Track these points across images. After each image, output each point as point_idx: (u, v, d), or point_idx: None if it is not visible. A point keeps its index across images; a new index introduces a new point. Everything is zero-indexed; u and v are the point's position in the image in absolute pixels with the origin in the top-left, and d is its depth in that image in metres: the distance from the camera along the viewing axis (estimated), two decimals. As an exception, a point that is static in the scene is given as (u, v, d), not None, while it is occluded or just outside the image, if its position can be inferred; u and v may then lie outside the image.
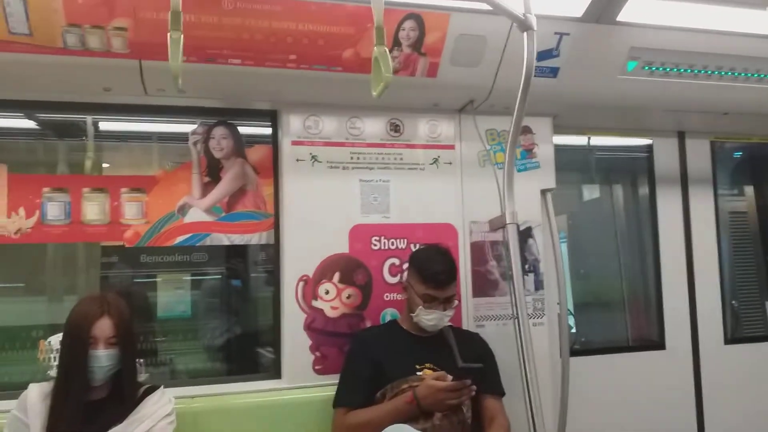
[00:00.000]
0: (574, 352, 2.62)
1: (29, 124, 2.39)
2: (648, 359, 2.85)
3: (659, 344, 2.89)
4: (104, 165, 2.49)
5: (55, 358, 1.88)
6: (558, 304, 2.55)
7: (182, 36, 1.49)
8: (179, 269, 2.49)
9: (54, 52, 1.90)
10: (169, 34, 1.48)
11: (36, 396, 1.73)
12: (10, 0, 1.78)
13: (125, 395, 1.77)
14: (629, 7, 2.11)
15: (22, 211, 2.15)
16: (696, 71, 2.42)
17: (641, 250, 3.09)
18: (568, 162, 2.89)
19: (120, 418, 1.72)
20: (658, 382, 2.81)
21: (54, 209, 2.18)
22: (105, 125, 2.46)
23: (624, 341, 3.05)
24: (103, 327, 1.72)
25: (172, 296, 2.55)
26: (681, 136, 3.02)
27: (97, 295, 1.85)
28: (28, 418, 1.69)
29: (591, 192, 3.34)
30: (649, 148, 3.00)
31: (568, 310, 2.75)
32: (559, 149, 2.67)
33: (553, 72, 2.29)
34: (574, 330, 2.93)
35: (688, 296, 2.95)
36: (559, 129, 2.67)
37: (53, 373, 1.87)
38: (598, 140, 3.04)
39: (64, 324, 1.76)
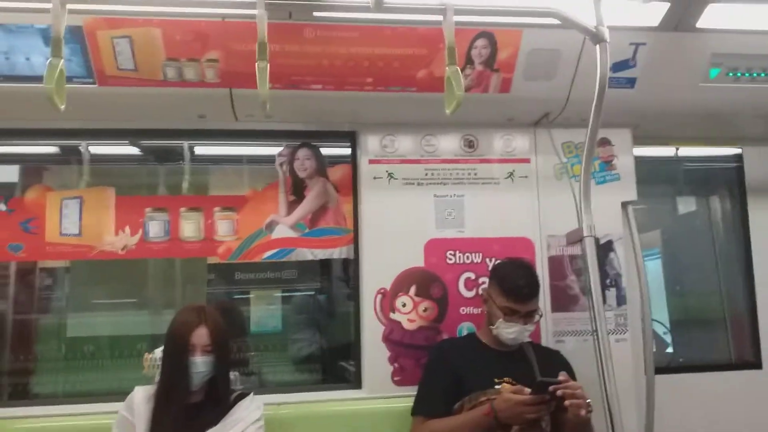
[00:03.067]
0: (663, 370, 2.52)
1: (133, 150, 2.64)
2: (743, 378, 2.68)
3: (756, 363, 2.72)
4: (199, 186, 2.67)
5: (159, 367, 2.02)
6: (642, 320, 2.48)
7: (268, 65, 1.59)
8: (271, 285, 2.64)
9: (155, 84, 2.10)
10: (256, 64, 1.58)
11: (141, 398, 1.86)
12: (119, 41, 2.00)
13: (220, 400, 1.87)
14: (709, 13, 2.06)
15: (128, 230, 2.36)
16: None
17: (741, 265, 2.92)
18: (659, 174, 2.79)
19: (215, 420, 1.82)
20: (755, 403, 2.64)
21: (155, 227, 2.37)
22: (200, 149, 2.66)
23: (727, 360, 2.89)
24: (201, 335, 1.83)
25: (264, 312, 2.70)
26: None
27: (196, 305, 1.96)
28: (134, 417, 1.82)
29: (686, 205, 3.21)
30: (738, 158, 2.86)
31: (653, 326, 2.64)
32: (647, 161, 2.60)
33: (630, 83, 2.26)
34: (671, 349, 2.80)
35: None
36: (641, 140, 2.61)
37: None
38: (687, 151, 2.92)
39: (166, 332, 1.88)
